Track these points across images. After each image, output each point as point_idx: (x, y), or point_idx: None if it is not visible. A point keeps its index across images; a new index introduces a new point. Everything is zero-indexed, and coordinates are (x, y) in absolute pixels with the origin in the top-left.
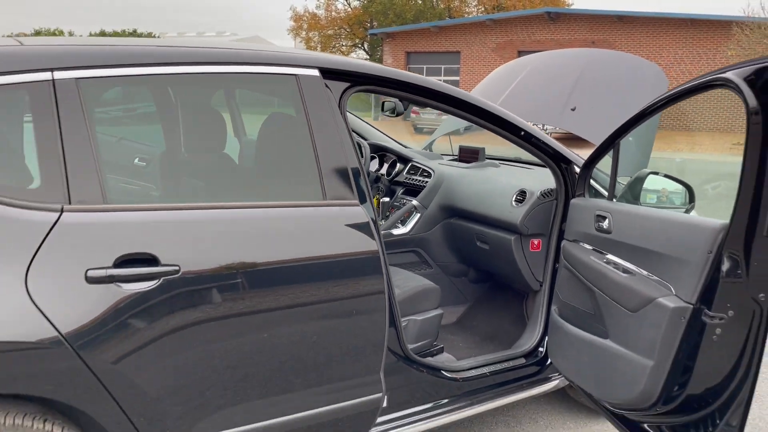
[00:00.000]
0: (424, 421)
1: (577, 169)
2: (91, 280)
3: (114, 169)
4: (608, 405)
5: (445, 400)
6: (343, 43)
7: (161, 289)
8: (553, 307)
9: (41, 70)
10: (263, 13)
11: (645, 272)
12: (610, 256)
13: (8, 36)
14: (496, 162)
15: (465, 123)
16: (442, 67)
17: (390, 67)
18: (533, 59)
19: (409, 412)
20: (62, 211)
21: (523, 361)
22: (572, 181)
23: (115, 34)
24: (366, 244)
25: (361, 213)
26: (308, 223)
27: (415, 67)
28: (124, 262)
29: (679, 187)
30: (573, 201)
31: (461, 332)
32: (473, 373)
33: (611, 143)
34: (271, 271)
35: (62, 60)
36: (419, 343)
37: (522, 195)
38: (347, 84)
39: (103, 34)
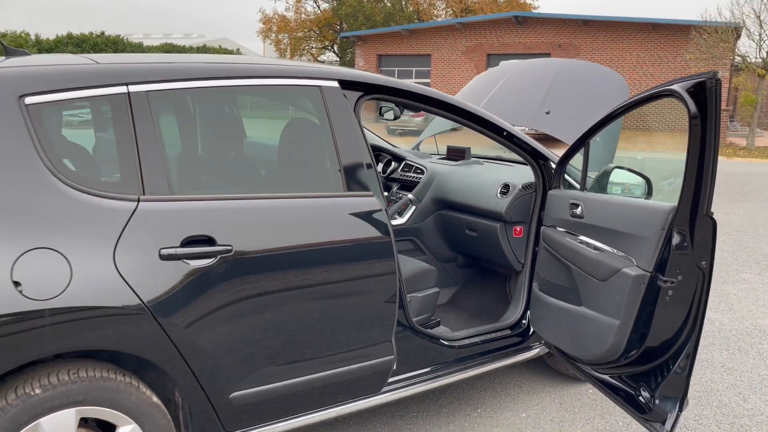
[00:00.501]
0: (426, 383)
1: (553, 165)
2: (163, 258)
3: (176, 165)
4: (582, 362)
5: (444, 365)
6: (313, 46)
7: (217, 266)
8: (535, 284)
9: (118, 84)
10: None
11: (611, 249)
12: (582, 237)
13: (81, 55)
14: (480, 160)
15: (450, 125)
16: (413, 69)
17: (394, 78)
18: (510, 67)
19: (414, 374)
20: (138, 200)
21: (508, 332)
22: (549, 175)
23: (83, 37)
24: (381, 229)
25: (375, 203)
26: (331, 211)
27: (386, 70)
28: (188, 242)
29: (640, 179)
30: (550, 192)
31: (452, 310)
32: (467, 342)
33: (582, 142)
34: (302, 252)
35: (134, 76)
36: (420, 317)
37: (506, 188)
38: (361, 93)
39: (70, 36)
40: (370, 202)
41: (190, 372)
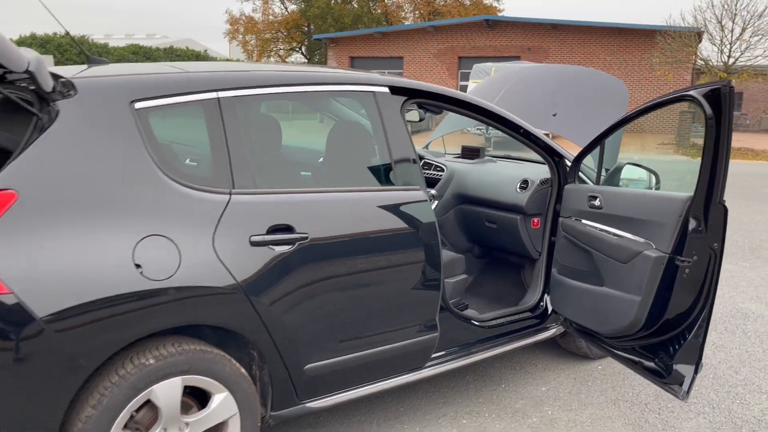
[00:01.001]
0: (461, 359)
1: (567, 163)
2: (253, 244)
3: (258, 162)
4: (602, 337)
5: (475, 343)
6: (281, 47)
7: (296, 251)
8: (554, 269)
9: (210, 91)
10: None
11: (630, 235)
12: (602, 226)
13: (168, 64)
14: (493, 158)
15: (458, 127)
16: (386, 72)
17: (432, 84)
18: (515, 73)
19: (450, 351)
20: (230, 194)
21: (529, 314)
22: (563, 172)
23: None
24: (427, 218)
25: (422, 195)
26: (386, 203)
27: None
28: (272, 230)
29: (648, 173)
30: (567, 186)
31: (472, 297)
32: (494, 322)
33: (598, 142)
34: (363, 238)
35: (223, 83)
36: (451, 301)
37: (525, 183)
38: (406, 97)
39: (33, 37)
40: (418, 194)
41: (273, 345)
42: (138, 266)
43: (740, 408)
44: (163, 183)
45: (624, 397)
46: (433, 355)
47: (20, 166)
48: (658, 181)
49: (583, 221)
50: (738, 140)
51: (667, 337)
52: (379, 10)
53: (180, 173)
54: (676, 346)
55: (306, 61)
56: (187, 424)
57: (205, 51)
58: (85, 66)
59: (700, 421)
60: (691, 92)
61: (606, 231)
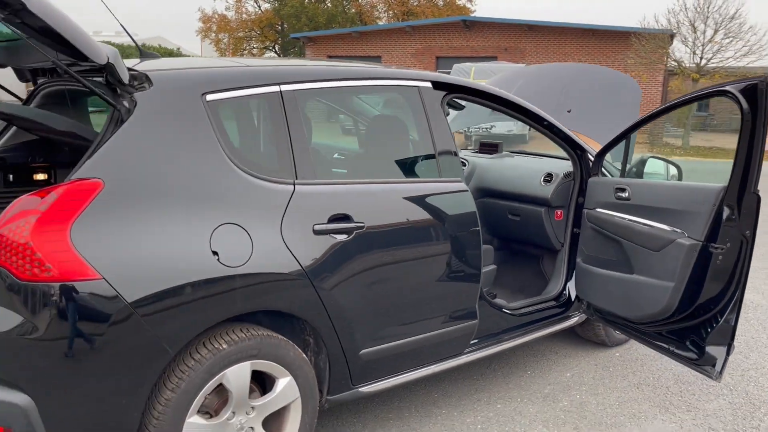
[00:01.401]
0: (494, 346)
1: (590, 156)
2: (315, 232)
3: (317, 153)
4: (631, 322)
5: (508, 331)
6: (254, 46)
7: (354, 239)
8: (578, 259)
9: (273, 84)
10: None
11: (660, 224)
12: (631, 216)
13: (225, 58)
14: (511, 153)
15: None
16: None
17: (470, 80)
18: (524, 72)
19: (484, 338)
20: (294, 184)
21: (553, 303)
22: (585, 165)
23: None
24: (469, 208)
25: (463, 186)
26: (432, 193)
27: None
28: (333, 219)
29: (671, 166)
30: (591, 179)
31: (495, 287)
32: (524, 311)
33: (624, 136)
34: (413, 227)
35: (285, 77)
36: (484, 289)
37: (549, 176)
38: (445, 92)
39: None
40: (460, 185)
41: (333, 331)
42: (215, 253)
43: (756, 389)
44: (233, 173)
45: (645, 382)
46: (472, 342)
47: (103, 155)
48: (680, 174)
49: (609, 212)
50: (708, 140)
51: (699, 320)
52: (353, 10)
53: (248, 163)
54: (709, 329)
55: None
56: (253, 407)
57: (178, 49)
58: (137, 60)
59: (720, 402)
60: (727, 87)
61: (636, 221)
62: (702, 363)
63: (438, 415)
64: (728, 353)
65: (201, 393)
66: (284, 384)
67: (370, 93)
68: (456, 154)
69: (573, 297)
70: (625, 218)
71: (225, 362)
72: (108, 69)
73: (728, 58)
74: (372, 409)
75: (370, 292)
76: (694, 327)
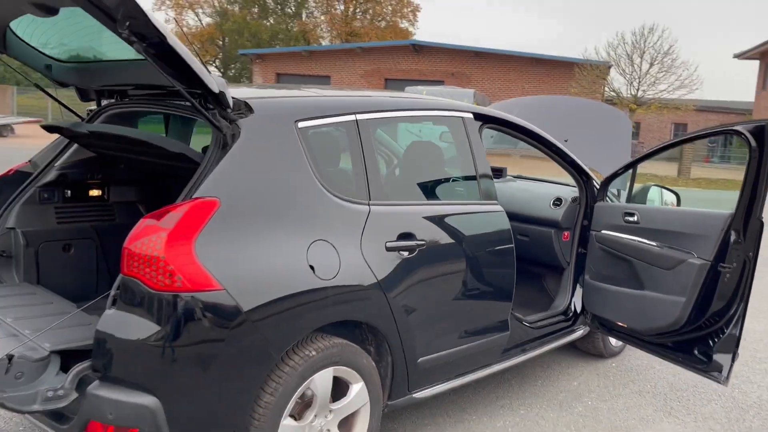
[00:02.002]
0: (520, 356)
1: (595, 183)
2: (387, 249)
3: (385, 177)
4: (640, 334)
5: (527, 342)
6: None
7: (417, 256)
8: (586, 276)
9: (350, 113)
10: None
11: (669, 246)
12: (641, 238)
13: (302, 87)
14: (513, 178)
15: None
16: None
17: (503, 113)
18: (516, 103)
19: (509, 348)
20: (369, 204)
21: (561, 317)
22: (590, 190)
23: None
24: (506, 226)
25: (500, 207)
26: (475, 213)
27: None
28: (400, 237)
29: (671, 195)
30: (598, 204)
31: None
32: (539, 324)
33: (631, 166)
34: (462, 245)
35: (360, 107)
36: None
37: (558, 200)
38: (482, 122)
39: None
40: (497, 207)
41: (399, 340)
42: (312, 267)
43: (741, 395)
44: (322, 193)
45: (644, 389)
46: (501, 352)
47: (217, 176)
48: (678, 201)
49: (617, 234)
50: (640, 167)
51: (707, 332)
52: (296, 28)
53: (332, 185)
54: (716, 339)
55: (221, 74)
56: (331, 411)
57: None
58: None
59: (713, 407)
60: (737, 127)
61: (647, 242)
62: (710, 369)
63: (470, 421)
64: (733, 360)
65: (294, 397)
66: (357, 389)
67: (425, 122)
68: (491, 178)
69: (578, 311)
70: (635, 240)
71: (314, 368)
72: (220, 96)
73: (662, 90)
74: (408, 416)
75: (427, 303)
76: (702, 338)
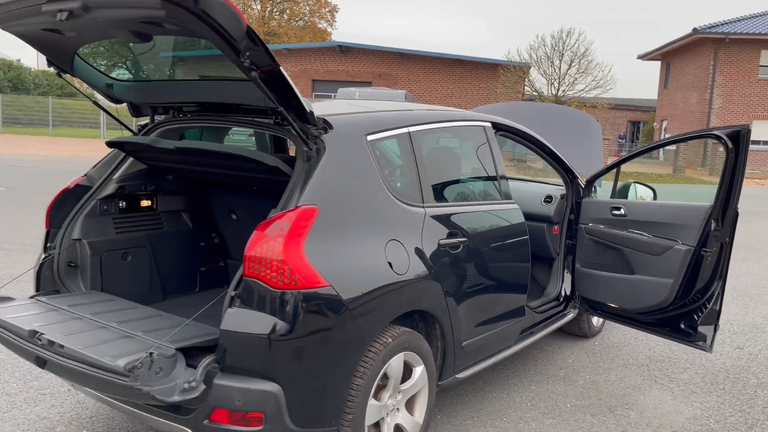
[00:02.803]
0: (529, 337)
1: (581, 182)
2: (440, 246)
3: (432, 182)
4: (630, 313)
5: (533, 325)
6: None
7: (461, 251)
8: (577, 265)
9: (404, 126)
10: None
11: (653, 235)
12: (629, 229)
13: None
14: None
15: None
16: None
17: (513, 122)
18: (495, 109)
19: (525, 330)
20: (424, 207)
21: (555, 302)
22: (576, 188)
23: None
24: (522, 221)
25: (516, 205)
26: (499, 211)
27: None
28: (448, 235)
29: (649, 190)
30: (585, 200)
31: None
32: (540, 308)
33: (614, 167)
34: (492, 240)
35: (411, 120)
36: None
37: (549, 198)
38: (496, 130)
39: None
40: (513, 206)
41: (451, 327)
42: (390, 264)
43: (709, 363)
44: (389, 198)
45: (629, 362)
46: (518, 335)
47: (313, 186)
48: (655, 195)
49: (605, 227)
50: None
51: (692, 308)
52: None
53: (396, 191)
54: (699, 314)
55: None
56: (400, 392)
57: (18, 60)
58: None
59: (690, 374)
60: (716, 132)
61: (637, 232)
62: (695, 339)
63: (492, 398)
64: (715, 331)
65: (376, 380)
66: (419, 372)
67: (459, 132)
68: (507, 180)
69: (567, 297)
70: (624, 230)
71: (391, 353)
72: (308, 115)
73: (580, 90)
74: (438, 395)
75: (469, 293)
76: (687, 313)
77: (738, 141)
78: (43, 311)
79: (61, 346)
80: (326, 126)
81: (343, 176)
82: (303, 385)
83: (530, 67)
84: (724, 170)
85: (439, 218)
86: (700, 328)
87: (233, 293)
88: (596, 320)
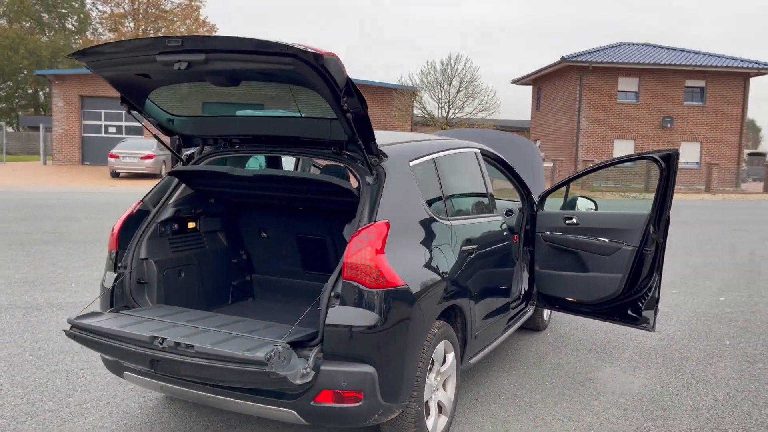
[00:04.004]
0: (507, 330)
1: (534, 198)
2: (461, 251)
3: (453, 199)
4: (585, 305)
5: (511, 319)
6: None
7: (474, 256)
8: (537, 267)
9: (430, 154)
10: None
11: (605, 239)
12: (582, 235)
13: (395, 132)
14: None
15: None
16: (123, 112)
17: (491, 150)
18: (459, 135)
19: (507, 323)
20: (450, 220)
21: (519, 300)
22: (530, 202)
23: None
24: (506, 231)
25: (501, 218)
26: (493, 222)
27: (91, 111)
28: (465, 242)
29: (590, 202)
30: (540, 212)
31: None
32: (512, 305)
33: (564, 184)
34: (492, 244)
35: (435, 149)
36: None
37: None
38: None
39: None
40: (499, 217)
41: (471, 318)
42: (437, 267)
43: (641, 344)
44: (428, 213)
45: (579, 348)
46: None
47: (384, 205)
48: (596, 207)
49: (561, 234)
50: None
51: (637, 296)
52: (81, 42)
53: (430, 207)
54: (643, 301)
55: None
56: (439, 373)
57: None
58: None
59: (629, 353)
60: (652, 155)
61: (591, 238)
62: (641, 322)
63: (485, 383)
64: (656, 314)
65: (428, 362)
66: (451, 358)
67: (463, 157)
68: (493, 197)
69: (526, 295)
70: (579, 236)
71: (436, 341)
72: (372, 146)
73: (468, 112)
74: None
75: (480, 289)
76: (633, 301)
77: (669, 162)
78: (137, 322)
79: (190, 346)
80: (383, 155)
81: (399, 195)
82: (390, 367)
83: (418, 91)
84: (659, 185)
85: (458, 229)
86: (644, 313)
87: (333, 293)
88: (546, 315)
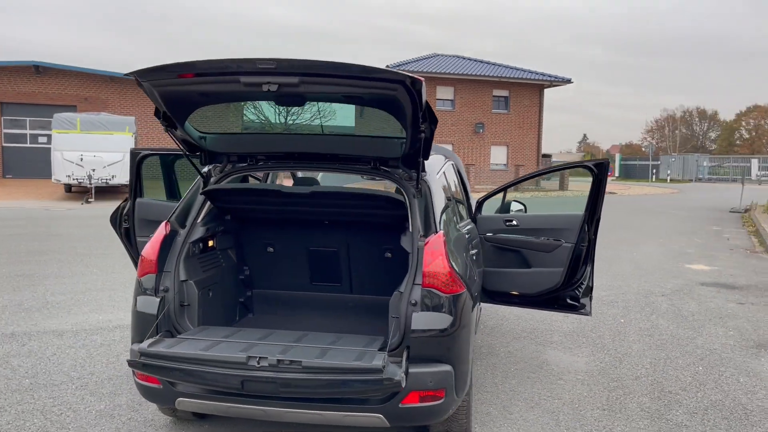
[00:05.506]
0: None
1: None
2: (470, 256)
3: (457, 207)
4: (530, 297)
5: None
6: None
7: (479, 252)
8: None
9: (443, 166)
10: None
11: (545, 237)
12: (522, 235)
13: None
14: None
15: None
16: (50, 120)
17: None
18: None
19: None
20: (473, 218)
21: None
22: (469, 207)
23: None
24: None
25: (473, 224)
26: (473, 228)
27: (12, 119)
28: (469, 246)
29: (520, 205)
30: (479, 216)
31: None
32: None
33: (501, 190)
34: (476, 240)
35: (443, 161)
36: None
37: None
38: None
39: None
40: (471, 222)
41: (478, 313)
42: (472, 271)
43: (565, 328)
44: (451, 222)
45: (518, 336)
46: None
47: (437, 215)
48: (526, 208)
49: (502, 235)
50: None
51: (574, 287)
52: None
53: (459, 209)
54: (580, 290)
55: None
56: None
57: None
58: None
59: (558, 336)
60: (587, 163)
61: (532, 238)
62: (579, 308)
63: None
64: (590, 300)
65: None
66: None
67: (450, 169)
68: (470, 204)
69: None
70: (521, 236)
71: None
72: (422, 165)
73: None
74: None
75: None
76: (571, 291)
77: (601, 169)
78: (211, 345)
79: (296, 362)
80: (422, 168)
81: (441, 206)
82: (460, 365)
83: None
84: (591, 189)
85: (465, 234)
86: (582, 300)
87: (413, 301)
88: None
